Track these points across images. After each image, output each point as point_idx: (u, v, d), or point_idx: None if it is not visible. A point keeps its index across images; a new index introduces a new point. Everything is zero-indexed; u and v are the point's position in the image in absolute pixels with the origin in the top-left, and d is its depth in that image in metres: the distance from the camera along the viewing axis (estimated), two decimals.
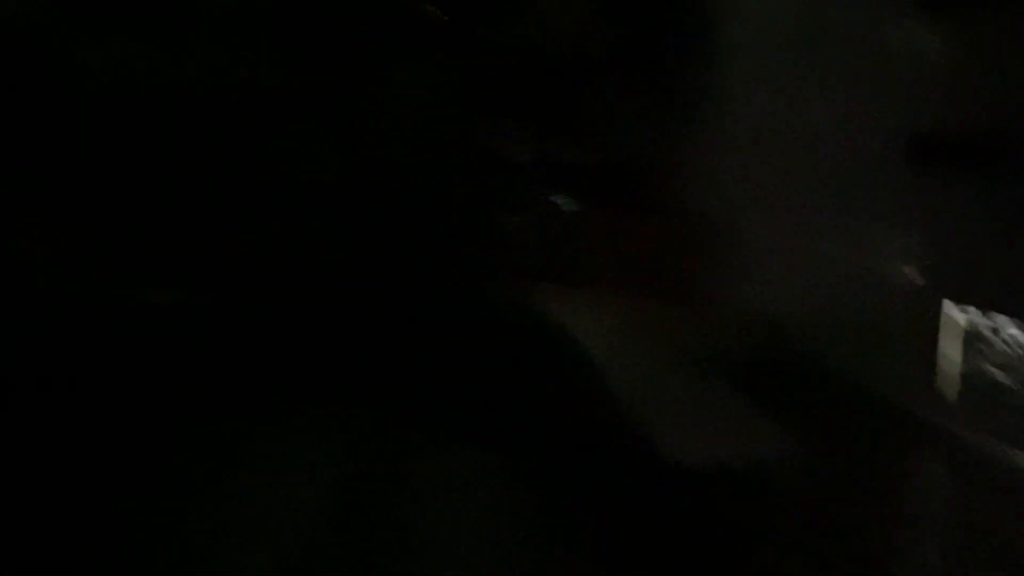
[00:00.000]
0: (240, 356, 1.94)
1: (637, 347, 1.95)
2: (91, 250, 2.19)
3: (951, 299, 1.74)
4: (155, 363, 1.93)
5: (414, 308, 2.12)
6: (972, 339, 1.69)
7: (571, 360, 1.89)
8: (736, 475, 1.58)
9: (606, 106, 2.30)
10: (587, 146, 2.29)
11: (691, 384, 1.82)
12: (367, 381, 2.03)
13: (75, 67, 2.22)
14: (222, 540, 1.68)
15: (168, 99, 2.14)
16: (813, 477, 1.62)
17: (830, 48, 1.88)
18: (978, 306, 1.69)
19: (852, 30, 1.81)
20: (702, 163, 2.28)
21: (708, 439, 1.63)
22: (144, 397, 1.89)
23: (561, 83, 2.30)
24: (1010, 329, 1.63)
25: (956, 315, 1.72)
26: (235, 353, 1.94)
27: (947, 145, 1.74)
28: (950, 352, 1.72)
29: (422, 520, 1.74)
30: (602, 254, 2.25)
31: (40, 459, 1.78)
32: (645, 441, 1.62)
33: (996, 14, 1.68)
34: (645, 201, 2.30)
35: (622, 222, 2.27)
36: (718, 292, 2.05)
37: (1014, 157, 1.64)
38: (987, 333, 1.66)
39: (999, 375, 1.63)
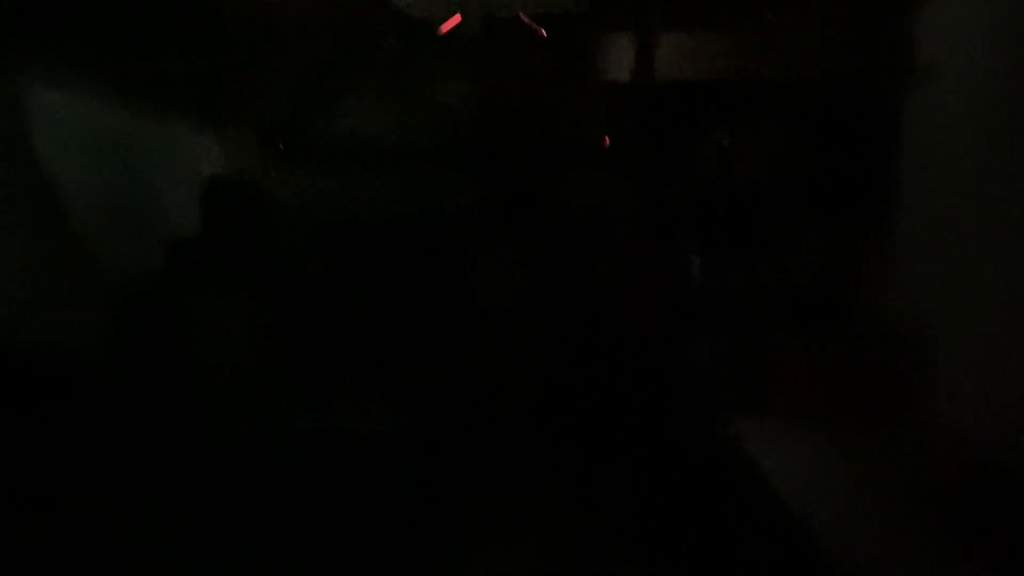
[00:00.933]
0: (440, 481, 2.04)
1: (836, 480, 1.88)
2: (294, 381, 2.41)
3: None
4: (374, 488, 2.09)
5: (603, 432, 2.15)
6: None
7: (763, 495, 1.85)
8: None
9: (796, 231, 2.26)
10: (779, 271, 2.25)
11: (897, 518, 1.73)
12: (561, 503, 2.08)
13: (283, 208, 2.49)
14: None
15: (376, 231, 2.35)
16: None
17: None
18: None
19: None
20: (900, 285, 2.20)
21: None
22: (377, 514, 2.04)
23: (751, 209, 2.29)
24: None
25: None
26: (434, 478, 2.05)
27: None
28: None
29: None
30: (797, 379, 2.18)
31: None
32: None
33: None
34: (844, 324, 2.22)
35: (818, 346, 2.20)
36: (924, 418, 1.94)
37: None
38: None
39: None
